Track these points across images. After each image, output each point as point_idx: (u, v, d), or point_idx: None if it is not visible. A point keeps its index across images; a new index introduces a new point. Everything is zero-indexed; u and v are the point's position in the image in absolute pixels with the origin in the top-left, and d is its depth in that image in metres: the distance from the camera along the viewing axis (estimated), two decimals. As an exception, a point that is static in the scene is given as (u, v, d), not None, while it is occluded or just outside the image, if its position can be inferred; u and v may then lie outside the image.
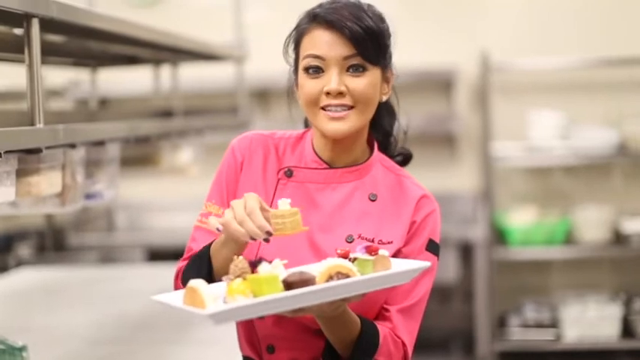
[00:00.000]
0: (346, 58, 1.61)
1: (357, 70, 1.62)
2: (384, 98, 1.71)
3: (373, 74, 1.64)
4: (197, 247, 1.68)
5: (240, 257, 1.48)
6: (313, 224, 1.67)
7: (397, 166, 1.78)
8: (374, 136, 1.77)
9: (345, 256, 1.53)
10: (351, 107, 1.62)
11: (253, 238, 1.48)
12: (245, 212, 1.48)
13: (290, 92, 1.74)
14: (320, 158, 1.71)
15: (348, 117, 1.62)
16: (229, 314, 1.40)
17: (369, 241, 1.66)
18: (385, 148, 1.80)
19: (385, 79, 1.69)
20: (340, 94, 1.61)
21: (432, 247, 1.71)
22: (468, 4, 5.19)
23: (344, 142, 1.68)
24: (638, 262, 5.02)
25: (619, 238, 4.82)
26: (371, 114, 1.68)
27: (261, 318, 1.66)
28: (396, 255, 1.67)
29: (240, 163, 1.73)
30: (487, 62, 4.79)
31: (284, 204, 1.53)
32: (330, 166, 1.71)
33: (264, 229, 1.48)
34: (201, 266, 1.60)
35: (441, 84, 5.10)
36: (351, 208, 1.69)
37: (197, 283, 1.44)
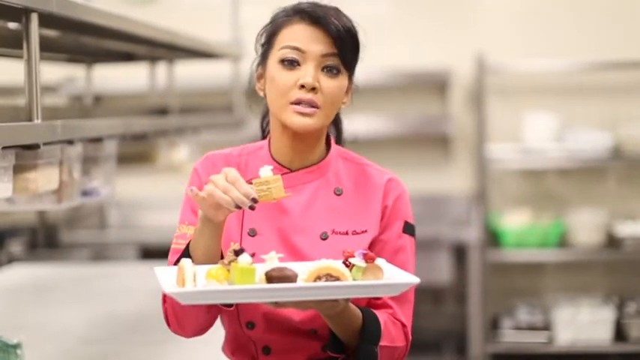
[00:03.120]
0: (325, 55, 1.63)
1: (330, 71, 1.64)
2: (343, 107, 1.73)
3: (344, 79, 1.67)
4: None
5: (237, 243, 1.50)
6: (286, 228, 1.68)
7: (357, 156, 1.79)
8: (330, 132, 1.80)
9: (349, 257, 1.53)
10: (318, 107, 1.63)
11: (238, 207, 1.49)
12: (228, 182, 1.50)
13: (251, 87, 1.74)
14: (279, 164, 1.72)
15: (315, 115, 1.63)
16: (194, 296, 1.45)
17: (343, 234, 1.69)
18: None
19: (348, 88, 1.71)
20: (313, 89, 1.62)
21: (409, 229, 1.74)
22: (464, 5, 5.19)
23: (305, 141, 1.69)
24: (631, 265, 5.03)
25: (612, 242, 4.82)
26: (333, 116, 1.70)
27: (251, 327, 1.68)
28: (373, 243, 1.69)
29: (206, 184, 1.72)
30: (482, 64, 4.79)
31: (266, 171, 1.54)
32: (290, 169, 1.72)
33: (249, 196, 1.49)
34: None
35: (436, 85, 5.08)
36: (319, 206, 1.70)
37: (184, 263, 1.48)
